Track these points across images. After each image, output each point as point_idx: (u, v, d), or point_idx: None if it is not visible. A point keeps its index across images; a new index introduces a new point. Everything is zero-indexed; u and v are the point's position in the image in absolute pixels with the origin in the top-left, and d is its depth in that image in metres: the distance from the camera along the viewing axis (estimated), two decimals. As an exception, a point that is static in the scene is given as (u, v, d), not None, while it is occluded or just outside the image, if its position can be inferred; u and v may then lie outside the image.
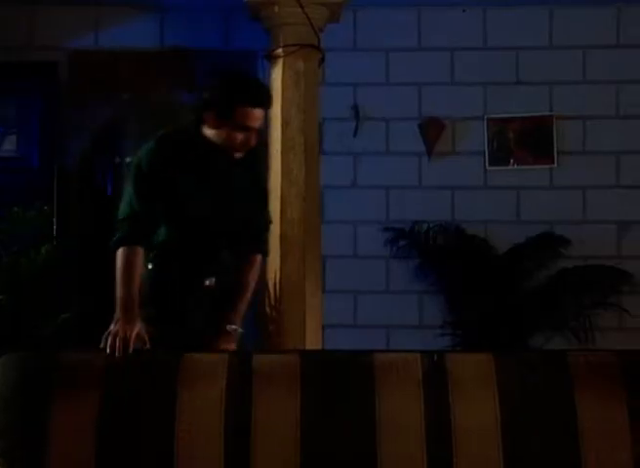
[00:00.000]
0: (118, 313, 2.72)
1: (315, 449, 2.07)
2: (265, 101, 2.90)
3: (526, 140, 5.20)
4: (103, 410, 2.10)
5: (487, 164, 5.24)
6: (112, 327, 2.62)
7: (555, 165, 5.19)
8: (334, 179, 5.10)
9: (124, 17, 5.17)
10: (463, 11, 5.22)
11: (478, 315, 4.92)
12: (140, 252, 2.88)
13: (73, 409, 2.12)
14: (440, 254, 5.08)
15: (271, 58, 4.30)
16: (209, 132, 2.89)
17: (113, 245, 2.90)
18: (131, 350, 2.52)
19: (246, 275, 3.05)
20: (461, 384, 2.11)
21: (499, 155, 5.23)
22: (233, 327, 2.95)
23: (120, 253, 2.87)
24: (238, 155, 2.91)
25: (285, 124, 4.13)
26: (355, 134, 5.19)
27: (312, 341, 3.84)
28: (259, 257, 3.09)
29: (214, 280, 2.98)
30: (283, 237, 4.08)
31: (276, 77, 4.20)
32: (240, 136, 2.85)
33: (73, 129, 5.22)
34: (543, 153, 5.20)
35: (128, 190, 2.96)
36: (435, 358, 2.16)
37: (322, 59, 4.34)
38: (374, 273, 5.18)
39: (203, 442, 2.09)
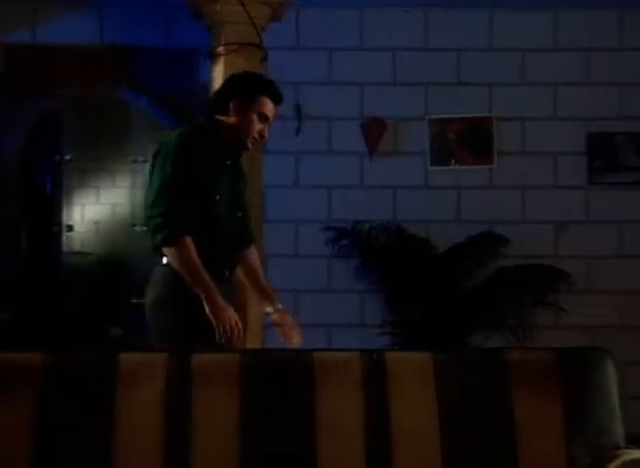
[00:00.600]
0: (212, 305, 2.93)
1: (255, 449, 2.05)
2: (281, 98, 3.20)
3: (466, 141, 5.26)
4: (40, 411, 2.06)
5: (428, 164, 5.28)
6: (218, 318, 2.91)
7: (495, 165, 5.26)
8: (276, 179, 5.10)
9: (62, 12, 5.09)
10: (405, 12, 5.26)
11: (419, 314, 4.96)
12: (192, 242, 2.98)
13: (9, 409, 2.07)
14: (381, 254, 5.11)
15: (212, 57, 4.28)
16: (231, 119, 3.11)
17: (164, 241, 2.97)
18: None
19: (255, 263, 3.31)
20: (401, 383, 2.11)
21: (440, 155, 5.28)
22: (280, 306, 3.23)
23: (174, 251, 2.97)
24: (250, 145, 3.17)
25: (226, 122, 4.10)
26: (297, 133, 5.19)
27: (252, 340, 3.82)
28: (253, 246, 3.35)
29: (227, 273, 3.16)
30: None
31: (217, 75, 4.18)
32: (258, 126, 3.12)
33: (10, 124, 5.12)
34: (483, 153, 5.27)
35: (162, 186, 3.01)
36: (375, 357, 2.16)
37: (264, 58, 4.33)
38: (315, 272, 5.19)
39: (142, 442, 2.06)
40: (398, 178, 5.25)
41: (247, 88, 3.17)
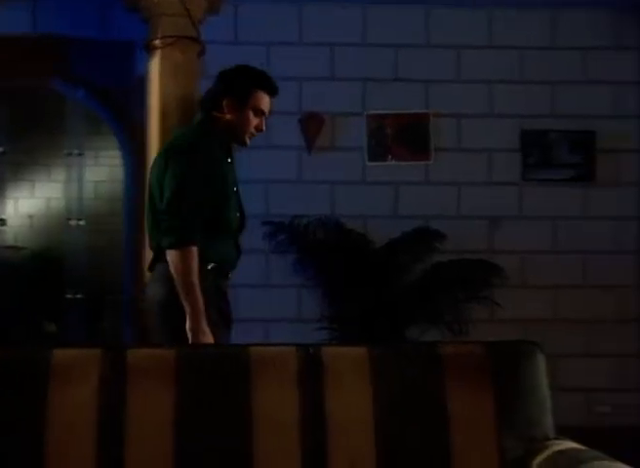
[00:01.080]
0: (196, 324, 2.93)
1: (190, 445, 2.05)
2: (276, 90, 3.17)
3: (403, 137, 5.31)
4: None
5: (366, 159, 5.31)
6: (195, 339, 2.91)
7: (431, 161, 5.32)
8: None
9: (-5, 1, 4.98)
10: (344, 7, 5.27)
11: (356, 308, 4.98)
12: (196, 251, 2.96)
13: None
14: (319, 249, 5.13)
15: (149, 49, 4.23)
16: (227, 117, 3.07)
17: (170, 245, 2.93)
18: None
19: None
20: (337, 377, 2.12)
21: (377, 151, 5.31)
22: None
23: (179, 256, 2.93)
24: (249, 141, 3.16)
25: (162, 117, 4.08)
26: (236, 127, 5.16)
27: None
28: None
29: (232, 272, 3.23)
30: (161, 231, 4.01)
31: (153, 68, 4.14)
32: (255, 121, 3.09)
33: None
34: (420, 149, 5.32)
35: (181, 187, 2.97)
36: (311, 351, 2.16)
37: (202, 52, 4.30)
38: (253, 267, 5.18)
39: (75, 440, 2.03)
40: (336, 174, 5.27)
41: (239, 84, 3.11)
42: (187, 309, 2.93)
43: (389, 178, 5.31)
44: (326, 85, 5.28)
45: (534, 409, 2.17)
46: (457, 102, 5.33)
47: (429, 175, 5.35)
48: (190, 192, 2.96)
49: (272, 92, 3.14)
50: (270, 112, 3.17)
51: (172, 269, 2.94)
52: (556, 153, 5.37)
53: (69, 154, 6.97)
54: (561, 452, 2.04)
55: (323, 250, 5.14)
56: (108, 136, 6.60)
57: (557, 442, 2.13)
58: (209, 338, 2.96)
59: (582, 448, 2.07)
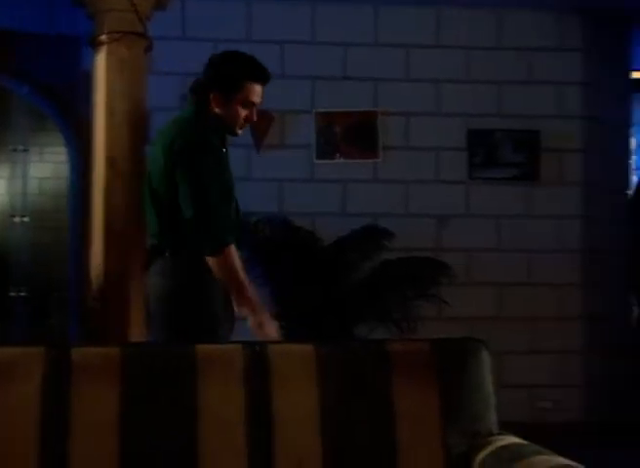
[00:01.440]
0: (261, 315, 2.97)
1: (136, 443, 2.03)
2: (267, 77, 3.04)
3: (352, 135, 5.33)
4: None
5: (314, 157, 5.32)
6: (265, 328, 2.94)
7: (379, 159, 5.34)
8: (162, 170, 5.04)
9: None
10: (293, 5, 5.27)
11: (304, 306, 4.98)
12: (235, 251, 2.94)
13: None
14: (267, 246, 5.11)
15: (94, 45, 4.18)
16: (215, 110, 2.97)
17: (221, 248, 2.89)
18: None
19: None
20: (283, 375, 2.12)
21: (326, 149, 5.32)
22: None
23: (226, 256, 2.90)
24: (240, 132, 3.05)
25: (109, 113, 4.04)
26: (184, 124, 5.13)
27: (137, 334, 3.77)
28: None
29: None
30: (107, 228, 3.99)
31: (100, 64, 4.10)
32: (245, 112, 2.99)
33: None
34: (368, 148, 5.34)
35: (208, 188, 2.92)
36: (257, 349, 2.16)
37: (149, 48, 4.26)
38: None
39: (18, 439, 2.01)
40: (284, 171, 5.27)
41: (226, 77, 2.99)
42: (248, 309, 2.94)
43: (338, 176, 5.33)
44: (275, 83, 5.23)
45: (478, 405, 2.20)
46: (405, 101, 5.37)
47: (378, 173, 5.37)
48: (213, 195, 2.91)
49: (263, 80, 3.01)
50: (262, 100, 3.05)
51: (218, 275, 2.91)
52: (502, 152, 5.44)
53: (14, 150, 6.87)
54: (504, 447, 2.07)
55: (271, 247, 5.12)
56: (54, 132, 6.51)
57: (500, 437, 2.16)
58: (272, 330, 2.96)
59: (525, 442, 2.11)
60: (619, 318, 5.86)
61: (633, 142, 7.49)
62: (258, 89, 3.00)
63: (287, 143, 5.31)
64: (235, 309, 3.05)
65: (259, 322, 2.95)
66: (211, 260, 2.91)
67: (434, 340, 2.29)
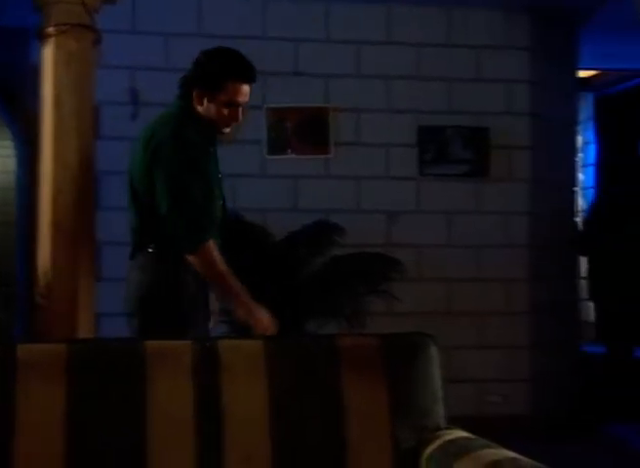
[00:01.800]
0: (245, 308, 2.96)
1: (82, 441, 2.01)
2: (254, 77, 2.95)
3: (303, 131, 5.33)
4: None
5: (265, 153, 5.31)
6: (254, 320, 2.94)
7: (331, 155, 5.35)
8: (111, 165, 4.98)
9: None
10: (246, 1, 5.26)
11: (256, 301, 4.97)
12: (214, 245, 2.91)
13: None
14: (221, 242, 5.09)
15: (42, 37, 4.12)
16: (198, 108, 2.91)
17: (199, 243, 2.86)
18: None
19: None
20: (233, 371, 2.12)
21: (277, 144, 5.32)
22: None
23: (206, 251, 2.87)
24: (226, 131, 2.97)
25: (56, 106, 3.98)
26: (134, 118, 5.09)
27: (85, 330, 3.73)
28: None
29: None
30: (54, 223, 3.94)
31: (47, 57, 4.03)
32: (228, 112, 2.91)
33: None
34: (319, 143, 5.35)
35: (180, 181, 2.87)
36: (207, 345, 2.16)
37: (97, 41, 4.21)
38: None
39: (-38, 438, 1.98)
40: (236, 166, 5.23)
41: (209, 75, 2.91)
42: (234, 301, 2.96)
43: (289, 172, 5.32)
44: (226, 78, 5.25)
45: (426, 399, 2.21)
46: (356, 97, 5.38)
47: (329, 168, 5.38)
48: (188, 191, 2.86)
49: (248, 79, 2.93)
50: (247, 99, 2.96)
51: (201, 273, 2.90)
52: (452, 149, 5.49)
53: (-41, 144, 6.73)
54: (451, 441, 2.09)
55: (225, 243, 5.10)
56: (0, 126, 6.41)
57: (448, 431, 2.19)
58: (263, 313, 2.98)
59: (472, 436, 2.13)
60: (565, 312, 5.96)
61: (579, 140, 7.63)
62: (242, 88, 2.92)
63: (238, 139, 5.28)
64: (213, 306, 3.10)
65: (253, 318, 2.96)
66: (190, 258, 2.89)
67: (383, 335, 2.31)
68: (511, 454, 1.95)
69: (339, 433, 2.11)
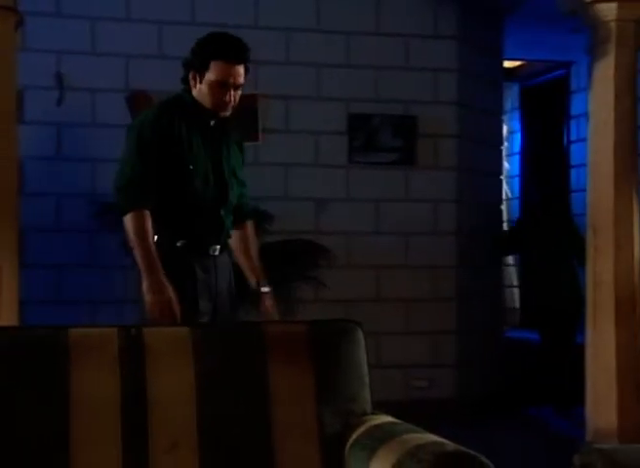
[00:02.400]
0: (148, 281, 2.87)
1: (6, 431, 1.99)
2: (239, 57, 2.99)
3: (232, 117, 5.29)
4: None
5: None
6: (150, 297, 2.86)
7: (260, 142, 5.34)
8: (36, 150, 4.91)
9: None
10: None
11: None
12: (149, 215, 2.91)
13: None
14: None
15: (-39, 19, 4.01)
16: (194, 92, 3.00)
17: (121, 210, 2.94)
18: (178, 315, 2.87)
19: (246, 241, 3.26)
20: (159, 358, 2.12)
21: (206, 131, 5.28)
22: (266, 288, 3.24)
23: (130, 218, 2.92)
24: (224, 114, 3.06)
25: (-23, 90, 3.88)
26: (59, 103, 5.01)
27: (7, 318, 3.66)
28: (251, 222, 3.32)
29: (218, 248, 3.08)
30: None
31: (-33, 39, 3.92)
32: (221, 93, 2.97)
33: None
34: (249, 130, 5.32)
35: (128, 155, 3.00)
36: (133, 332, 2.15)
37: (19, 23, 4.12)
38: (78, 247, 5.05)
39: None
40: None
41: (197, 57, 3.01)
42: (142, 270, 2.93)
43: (218, 159, 5.29)
44: (154, 64, 5.19)
45: (353, 385, 2.24)
46: (285, 85, 5.38)
47: (258, 156, 5.37)
48: (134, 159, 2.97)
49: (230, 58, 2.97)
50: (238, 80, 3.01)
51: (128, 235, 2.96)
52: (381, 137, 5.52)
53: None
54: (377, 426, 2.12)
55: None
56: None
57: (374, 416, 2.22)
58: (165, 297, 2.91)
59: (397, 421, 2.17)
60: (490, 299, 6.07)
61: (505, 129, 7.76)
62: (226, 68, 2.97)
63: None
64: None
65: (145, 299, 2.94)
66: (124, 221, 2.98)
67: (310, 322, 2.33)
68: (434, 438, 1.98)
69: (265, 419, 2.13)
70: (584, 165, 4.75)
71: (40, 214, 4.92)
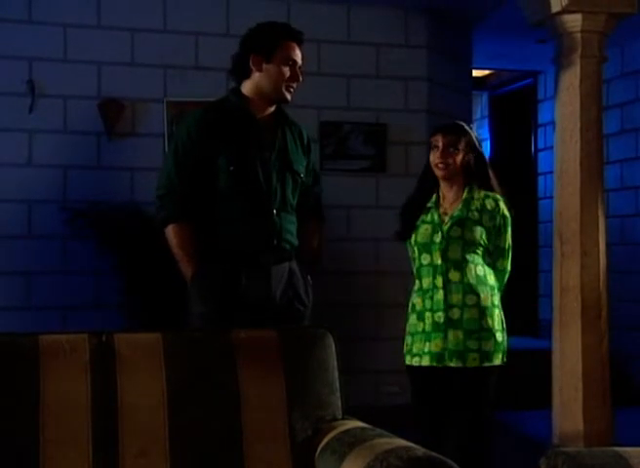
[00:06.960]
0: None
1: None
2: (302, 39, 3.08)
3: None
4: None
5: (166, 146, 5.28)
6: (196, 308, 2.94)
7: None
8: (6, 157, 4.91)
9: None
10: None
11: (157, 295, 4.95)
12: (189, 226, 2.91)
13: None
14: (118, 235, 5.05)
15: None
16: (257, 76, 2.97)
17: (161, 223, 2.95)
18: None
19: (312, 240, 3.15)
20: (129, 364, 2.13)
21: (178, 138, 5.29)
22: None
23: (170, 231, 2.94)
24: (288, 95, 3.04)
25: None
26: (31, 110, 5.00)
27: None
28: (316, 221, 3.21)
29: (271, 256, 2.97)
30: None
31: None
32: (288, 72, 2.99)
33: None
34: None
35: (165, 164, 3.01)
36: (103, 338, 2.16)
37: (-8, 30, 4.12)
38: (49, 253, 5.04)
39: None
40: (136, 160, 5.20)
41: (263, 38, 3.01)
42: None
43: (190, 165, 5.30)
44: (125, 70, 5.19)
45: (323, 390, 2.27)
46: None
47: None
48: (171, 170, 2.99)
49: (298, 39, 3.06)
50: (302, 60, 3.08)
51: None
52: (351, 144, 5.56)
53: None
54: (347, 431, 2.15)
55: (122, 236, 5.06)
56: None
57: (344, 421, 2.24)
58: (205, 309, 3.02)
59: (368, 426, 2.19)
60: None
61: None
62: (296, 48, 3.04)
63: (138, 132, 5.24)
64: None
65: None
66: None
67: (281, 328, 2.35)
68: (403, 443, 2.01)
69: (235, 424, 2.14)
70: (552, 172, 4.82)
71: (12, 221, 4.92)
